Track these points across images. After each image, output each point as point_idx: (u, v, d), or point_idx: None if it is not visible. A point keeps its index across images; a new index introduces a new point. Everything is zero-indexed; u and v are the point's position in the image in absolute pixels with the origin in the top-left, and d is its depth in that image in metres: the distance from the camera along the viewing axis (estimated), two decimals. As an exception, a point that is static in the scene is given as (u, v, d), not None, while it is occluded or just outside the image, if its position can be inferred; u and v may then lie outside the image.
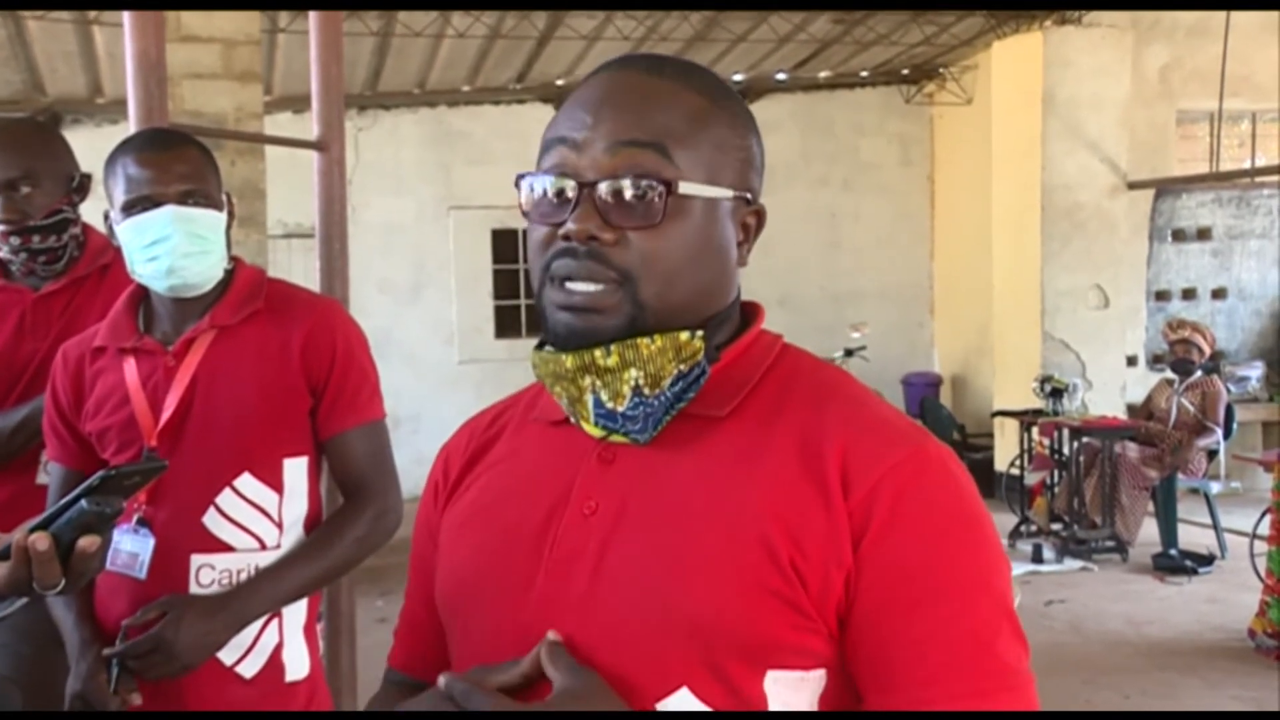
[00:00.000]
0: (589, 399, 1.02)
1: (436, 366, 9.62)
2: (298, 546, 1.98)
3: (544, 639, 0.96)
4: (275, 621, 1.97)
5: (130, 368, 1.96)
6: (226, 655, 1.91)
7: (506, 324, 9.89)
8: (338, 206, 2.86)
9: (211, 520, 1.93)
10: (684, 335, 1.01)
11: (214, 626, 1.85)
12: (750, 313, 1.10)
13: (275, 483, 1.97)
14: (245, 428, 1.93)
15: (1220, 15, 8.16)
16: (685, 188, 0.99)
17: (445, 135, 9.63)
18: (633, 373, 1.00)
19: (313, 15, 2.84)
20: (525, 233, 1.05)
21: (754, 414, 1.02)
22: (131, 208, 1.89)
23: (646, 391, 1.01)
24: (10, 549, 1.40)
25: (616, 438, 1.03)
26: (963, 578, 0.97)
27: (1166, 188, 9.27)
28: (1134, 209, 9.07)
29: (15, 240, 2.33)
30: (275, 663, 1.97)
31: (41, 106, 8.21)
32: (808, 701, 0.98)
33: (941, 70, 10.17)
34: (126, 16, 2.39)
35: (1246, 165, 9.61)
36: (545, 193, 1.01)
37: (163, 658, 1.81)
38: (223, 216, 1.96)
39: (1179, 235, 9.52)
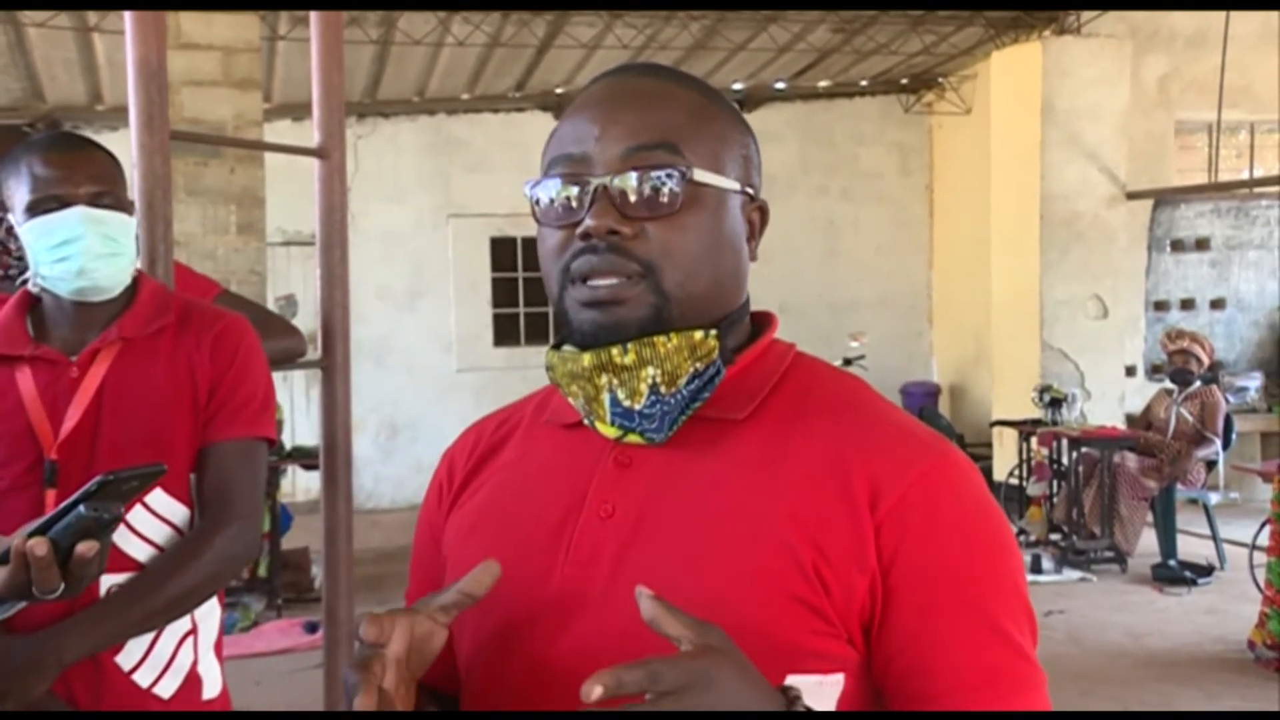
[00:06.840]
0: (605, 398, 1.02)
1: (435, 374, 9.62)
2: (148, 567, 1.83)
3: (638, 594, 0.86)
4: (190, 639, 1.89)
5: (25, 377, 1.85)
6: (142, 676, 1.83)
7: (505, 332, 9.89)
8: (338, 214, 2.85)
9: (121, 537, 1.81)
10: (698, 334, 1.02)
11: (32, 657, 1.68)
12: (763, 321, 1.12)
13: (186, 497, 1.89)
14: (158, 443, 1.84)
15: (1219, 26, 8.18)
16: (700, 175, 1.01)
17: (444, 143, 9.64)
18: (650, 370, 1.01)
19: (314, 22, 2.83)
20: (536, 239, 1.06)
21: (772, 419, 1.03)
22: (38, 207, 1.83)
23: (663, 390, 1.01)
24: (9, 553, 1.40)
25: (632, 439, 1.04)
26: (995, 581, 0.99)
27: (1165, 198, 9.28)
28: (1132, 219, 9.08)
29: None
30: (193, 680, 1.90)
31: (41, 113, 8.21)
32: (825, 706, 0.97)
33: (940, 80, 10.19)
34: (128, 23, 2.37)
35: (1245, 176, 9.64)
36: (559, 197, 1.01)
37: None
38: (133, 221, 1.91)
39: (1177, 245, 9.52)
